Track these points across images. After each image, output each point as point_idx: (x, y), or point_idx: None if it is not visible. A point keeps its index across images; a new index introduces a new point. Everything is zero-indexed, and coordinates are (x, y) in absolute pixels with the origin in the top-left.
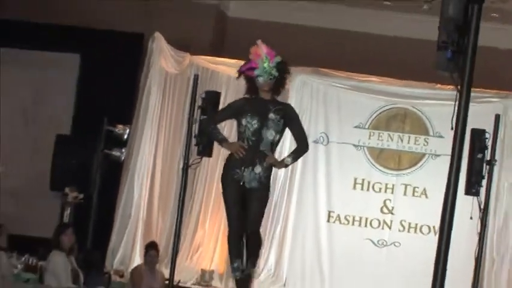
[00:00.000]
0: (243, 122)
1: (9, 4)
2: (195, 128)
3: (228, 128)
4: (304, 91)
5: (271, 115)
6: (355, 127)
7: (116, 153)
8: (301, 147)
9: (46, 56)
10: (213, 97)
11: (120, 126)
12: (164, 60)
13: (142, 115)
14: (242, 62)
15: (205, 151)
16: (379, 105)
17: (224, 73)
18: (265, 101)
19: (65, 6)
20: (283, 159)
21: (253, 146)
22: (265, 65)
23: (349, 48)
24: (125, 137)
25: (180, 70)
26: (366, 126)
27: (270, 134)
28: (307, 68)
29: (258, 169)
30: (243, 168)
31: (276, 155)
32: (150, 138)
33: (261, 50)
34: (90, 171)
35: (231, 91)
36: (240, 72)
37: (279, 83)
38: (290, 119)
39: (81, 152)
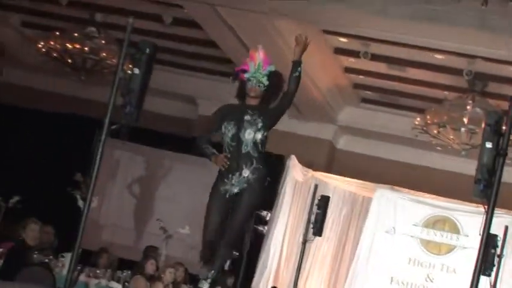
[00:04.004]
0: (223, 129)
1: (167, 124)
2: (312, 218)
3: None
4: (382, 200)
5: (247, 117)
6: (413, 225)
7: (260, 228)
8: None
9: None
10: (325, 199)
11: (265, 212)
12: (295, 173)
13: (279, 206)
14: (346, 178)
15: (317, 232)
16: (429, 213)
17: (332, 184)
18: (247, 106)
19: None
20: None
21: (234, 151)
22: (257, 70)
23: (414, 175)
24: (267, 218)
25: (305, 180)
26: (420, 225)
27: (248, 134)
28: (386, 186)
29: (246, 172)
30: (230, 176)
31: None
32: (282, 221)
33: (258, 54)
34: (244, 238)
35: (336, 196)
36: (235, 74)
37: (269, 94)
38: (271, 111)
39: None
